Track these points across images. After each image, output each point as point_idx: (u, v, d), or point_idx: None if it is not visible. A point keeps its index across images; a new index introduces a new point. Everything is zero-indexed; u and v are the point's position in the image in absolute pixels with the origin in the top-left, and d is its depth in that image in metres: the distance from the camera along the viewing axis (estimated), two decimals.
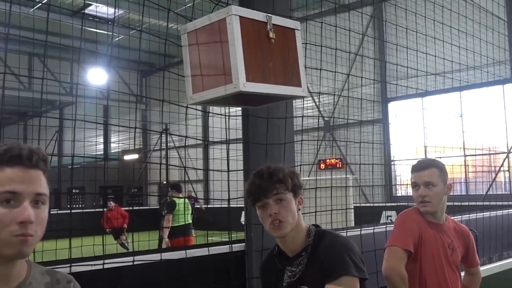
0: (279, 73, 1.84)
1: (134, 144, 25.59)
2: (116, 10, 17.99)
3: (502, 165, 15.13)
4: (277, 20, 1.88)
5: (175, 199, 8.52)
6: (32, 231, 1.19)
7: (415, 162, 2.81)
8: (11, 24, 15.70)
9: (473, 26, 7.72)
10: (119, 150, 27.34)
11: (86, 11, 19.03)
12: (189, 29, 1.86)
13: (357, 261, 1.91)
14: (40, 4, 17.11)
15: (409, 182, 2.81)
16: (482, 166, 16.74)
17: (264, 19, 1.83)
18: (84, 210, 18.42)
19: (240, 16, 1.74)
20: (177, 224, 8.39)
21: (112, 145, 28.37)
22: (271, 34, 1.81)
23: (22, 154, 1.20)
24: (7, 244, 1.17)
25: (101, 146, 27.59)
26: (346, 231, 3.81)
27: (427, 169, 2.68)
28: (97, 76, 23.39)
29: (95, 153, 24.01)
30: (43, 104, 26.49)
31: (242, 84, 1.70)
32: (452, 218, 2.82)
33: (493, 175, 14.58)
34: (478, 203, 10.44)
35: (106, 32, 19.50)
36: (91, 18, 18.90)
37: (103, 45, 19.79)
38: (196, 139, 22.06)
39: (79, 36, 17.35)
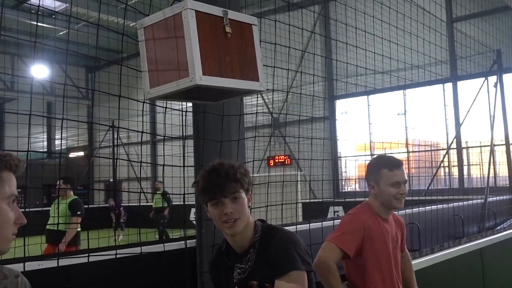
0: (236, 68, 1.85)
1: (91, 140, 24.97)
2: (61, 3, 17.48)
3: (442, 160, 15.68)
4: (234, 15, 1.89)
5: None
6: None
7: (359, 158, 2.89)
8: None
9: (417, 27, 7.97)
10: (66, 147, 26.57)
11: (30, 3, 18.38)
12: (145, 24, 1.85)
13: (303, 255, 1.96)
14: None
15: (356, 177, 2.89)
16: (425, 161, 17.31)
17: (220, 14, 1.84)
18: (29, 209, 17.78)
19: (196, 10, 1.74)
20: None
21: (57, 141, 27.53)
22: (228, 29, 1.83)
23: (20, 164, 1.29)
24: (6, 241, 1.26)
25: (45, 143, 26.75)
26: (296, 226, 3.87)
27: (403, 166, 2.78)
28: (40, 71, 22.67)
29: (39, 150, 23.26)
30: None
31: (199, 77, 1.71)
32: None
33: (434, 171, 15.09)
34: (420, 198, 10.77)
35: (53, 26, 18.95)
36: (33, 11, 18.28)
37: (48, 40, 19.17)
38: (151, 134, 21.72)
39: (23, 30, 16.80)
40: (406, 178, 2.74)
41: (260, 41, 2.04)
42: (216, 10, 1.83)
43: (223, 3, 2.30)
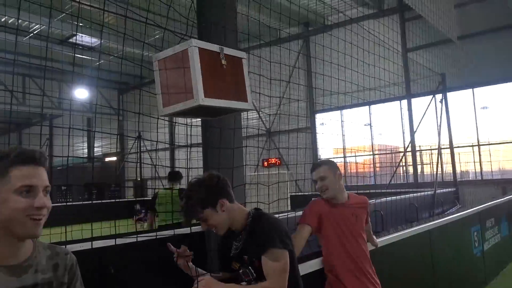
0: (230, 91, 1.90)
1: (117, 147, 24.92)
2: (97, 39, 17.53)
3: (400, 161, 15.73)
4: (228, 51, 1.94)
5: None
6: (43, 215, 1.23)
7: (335, 159, 2.94)
8: (8, 50, 14.99)
9: (375, 58, 8.04)
10: (102, 153, 26.54)
11: (72, 40, 18.41)
12: (159, 57, 1.89)
13: (282, 236, 1.95)
14: (32, 34, 16.41)
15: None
16: (387, 162, 17.37)
17: (218, 50, 1.89)
18: (73, 203, 17.75)
19: (198, 47, 1.79)
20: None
21: (95, 149, 27.48)
22: (223, 61, 1.88)
23: (35, 156, 1.24)
24: (25, 226, 1.20)
25: (85, 150, 26.72)
26: (287, 214, 3.88)
27: (318, 168, 2.82)
28: (81, 93, 22.72)
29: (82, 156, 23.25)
30: (35, 116, 25.42)
31: (201, 99, 1.76)
32: (352, 193, 2.95)
33: (394, 169, 15.12)
34: (383, 191, 10.81)
35: (90, 58, 18.99)
36: (76, 46, 18.32)
37: (87, 68, 19.22)
38: (164, 143, 21.75)
39: (66, 61, 16.84)
40: (321, 175, 2.77)
41: (249, 72, 2.09)
42: (215, 47, 1.88)
43: (221, 40, 2.35)
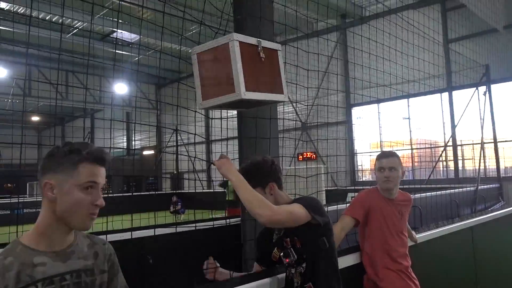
0: (268, 84, 1.90)
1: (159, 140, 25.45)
2: (136, 35, 17.91)
3: (440, 156, 15.25)
4: (265, 43, 1.93)
5: None
6: (97, 212, 1.30)
7: (373, 154, 2.89)
8: (52, 47, 15.57)
9: (414, 49, 7.82)
10: (141, 146, 27.21)
11: (112, 36, 18.93)
12: (198, 51, 1.91)
13: (313, 204, 1.95)
14: (76, 30, 16.98)
15: (369, 169, 2.88)
16: (426, 156, 16.90)
17: (256, 43, 1.89)
18: (114, 195, 18.35)
19: (239, 41, 1.79)
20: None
21: (135, 142, 28.19)
22: (262, 54, 1.87)
23: (104, 157, 1.31)
24: (82, 220, 1.27)
25: (125, 143, 27.46)
26: (327, 207, 3.83)
27: (391, 157, 2.77)
28: (121, 88, 23.32)
29: (121, 149, 23.91)
30: (77, 110, 26.35)
31: (243, 93, 1.77)
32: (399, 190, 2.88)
33: (434, 164, 14.69)
34: (422, 186, 10.54)
35: (129, 53, 19.44)
36: (115, 42, 18.82)
37: (126, 63, 19.73)
38: (201, 136, 22.02)
39: (107, 56, 17.31)
40: (392, 165, 2.71)
41: (285, 63, 2.07)
42: (253, 40, 1.88)
43: (257, 33, 2.35)
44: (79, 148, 1.27)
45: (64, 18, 14.14)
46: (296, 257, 1.97)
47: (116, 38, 17.59)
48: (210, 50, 1.87)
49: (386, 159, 2.75)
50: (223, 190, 9.97)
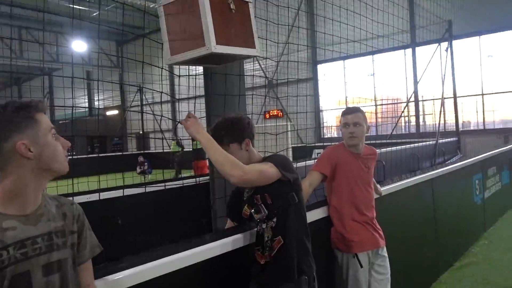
0: (239, 37, 1.83)
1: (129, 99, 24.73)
2: None
3: (402, 111, 15.66)
4: None
5: None
6: None
7: (339, 110, 2.90)
8: (3, 1, 14.53)
9: (383, 2, 7.77)
10: (104, 107, 26.44)
11: None
12: (164, 2, 1.80)
13: (283, 162, 1.99)
14: None
15: (335, 126, 2.91)
16: (390, 112, 17.30)
17: None
18: (78, 156, 17.92)
19: None
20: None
21: (96, 103, 27.34)
22: (232, 6, 1.79)
23: (44, 104, 1.32)
24: (64, 162, 1.31)
25: (86, 104, 26.61)
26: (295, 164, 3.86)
27: (355, 112, 2.79)
28: (79, 45, 22.26)
29: (83, 110, 23.17)
30: (34, 70, 25.09)
31: (213, 46, 1.70)
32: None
33: (396, 120, 15.09)
34: (385, 141, 10.84)
35: (87, 9, 18.44)
36: None
37: (84, 19, 18.71)
38: (167, 94, 21.57)
39: (64, 12, 16.34)
40: (357, 120, 2.74)
41: (255, 16, 1.99)
42: None
43: None
44: (22, 102, 1.27)
45: None
46: (267, 212, 2.01)
47: None
48: (177, 2, 1.77)
49: (351, 115, 2.77)
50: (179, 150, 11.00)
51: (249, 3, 1.90)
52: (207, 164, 10.14)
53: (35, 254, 1.21)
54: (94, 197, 3.08)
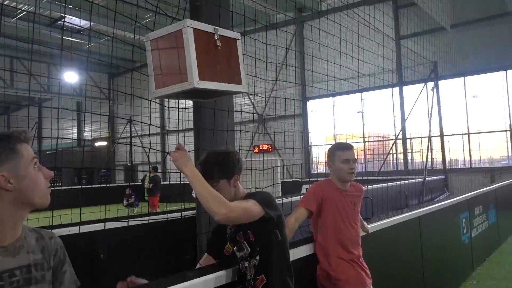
0: (225, 73, 1.86)
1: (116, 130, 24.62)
2: (86, 21, 17.19)
3: (391, 148, 15.82)
4: (223, 31, 1.89)
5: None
6: None
7: (328, 146, 2.91)
8: None
9: (372, 45, 8.01)
10: (91, 138, 26.30)
11: (61, 22, 18.05)
12: (151, 37, 1.85)
13: (266, 199, 1.95)
14: (22, 14, 16.05)
15: (324, 162, 2.93)
16: (378, 149, 17.47)
17: (212, 31, 1.85)
18: (62, 188, 17.63)
19: (193, 28, 1.75)
20: None
21: (85, 133, 27.20)
22: (218, 43, 1.83)
23: (27, 134, 1.29)
24: (45, 195, 1.28)
25: (76, 135, 26.46)
26: (282, 200, 3.87)
27: (350, 150, 2.81)
28: (70, 76, 22.36)
29: (71, 140, 22.99)
30: (24, 99, 25.02)
31: (196, 82, 1.72)
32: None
33: (384, 157, 15.23)
34: (373, 178, 10.88)
35: (80, 41, 18.65)
36: (65, 28, 17.98)
37: (76, 51, 18.89)
38: (156, 126, 21.59)
39: (56, 43, 16.50)
40: (356, 157, 2.79)
41: (244, 54, 2.04)
42: (209, 28, 1.84)
43: (215, 22, 2.32)
44: (3, 133, 1.26)
45: (7, 1, 13.33)
46: (249, 250, 1.99)
47: (63, 22, 16.81)
48: (164, 37, 1.81)
49: (351, 151, 2.79)
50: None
51: (237, 40, 1.95)
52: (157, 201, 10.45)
53: (12, 287, 1.17)
54: (75, 230, 3.02)
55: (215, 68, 1.82)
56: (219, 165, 1.99)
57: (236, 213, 1.83)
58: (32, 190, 1.23)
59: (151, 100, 1.98)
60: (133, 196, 15.01)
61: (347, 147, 2.83)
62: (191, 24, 1.75)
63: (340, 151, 2.81)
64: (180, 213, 3.74)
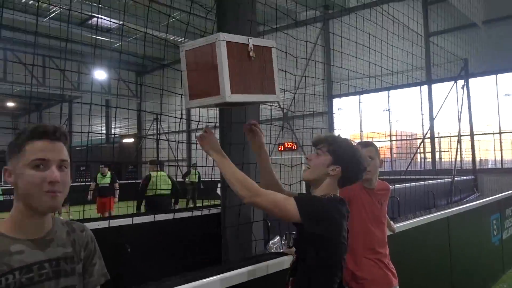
0: (257, 84, 1.86)
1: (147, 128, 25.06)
2: (117, 21, 17.53)
3: (418, 148, 15.52)
4: (256, 41, 1.90)
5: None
6: (59, 189, 1.22)
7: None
8: (28, 31, 15.13)
9: (401, 41, 7.86)
10: (120, 134, 26.81)
11: (91, 22, 18.48)
12: (186, 48, 1.88)
13: (308, 204, 1.80)
14: (53, 14, 16.50)
15: None
16: (406, 148, 17.16)
17: (246, 42, 1.86)
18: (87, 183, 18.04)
19: (226, 41, 1.76)
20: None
21: (113, 130, 27.75)
22: (252, 53, 1.84)
23: (48, 130, 1.24)
24: (40, 200, 1.20)
25: (104, 131, 27.03)
26: None
27: (368, 147, 2.76)
28: (100, 74, 22.88)
29: (100, 137, 23.51)
30: (55, 97, 25.74)
31: (228, 96, 1.74)
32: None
33: (412, 156, 14.94)
34: (400, 177, 10.70)
35: (109, 39, 19.05)
36: (95, 27, 18.39)
37: (105, 50, 19.31)
38: (187, 120, 21.83)
39: (86, 42, 16.90)
40: (370, 155, 2.69)
41: (281, 50, 2.02)
42: (243, 39, 1.84)
43: (247, 32, 2.33)
44: (26, 128, 1.25)
45: (40, 2, 13.70)
46: (292, 244, 1.95)
47: (97, 22, 17.19)
48: (197, 49, 1.83)
49: (363, 149, 2.74)
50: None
51: (272, 48, 1.94)
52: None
53: (41, 279, 1.20)
54: (104, 224, 3.09)
55: (248, 79, 1.82)
56: (343, 146, 1.89)
57: (262, 201, 1.74)
58: (25, 191, 1.20)
59: (176, 95, 1.99)
60: None
61: (360, 145, 2.76)
62: (224, 38, 1.76)
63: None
64: (201, 210, 3.77)
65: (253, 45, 1.86)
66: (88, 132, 2.95)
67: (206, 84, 1.80)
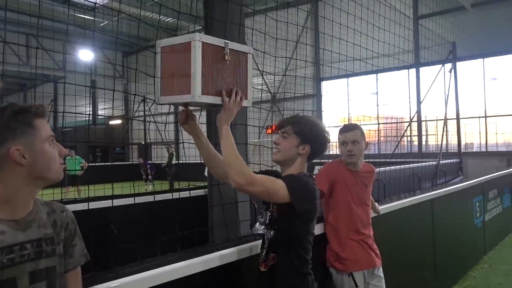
0: (229, 88, 1.85)
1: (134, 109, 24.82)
2: None
3: (405, 131, 15.66)
4: (234, 45, 1.90)
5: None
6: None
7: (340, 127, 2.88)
8: (10, 8, 14.72)
9: (389, 23, 7.82)
10: (106, 116, 26.53)
11: None
12: (163, 44, 1.87)
13: (296, 185, 1.86)
14: None
15: (336, 143, 2.89)
16: (392, 131, 17.30)
17: (222, 45, 1.85)
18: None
19: (202, 42, 1.76)
20: None
21: (100, 112, 27.43)
22: (227, 57, 1.84)
23: (45, 109, 1.30)
24: (58, 173, 1.29)
25: (90, 113, 26.70)
26: None
27: (353, 130, 2.77)
28: (85, 54, 22.45)
29: (85, 118, 23.23)
30: (39, 77, 25.26)
31: (198, 96, 1.75)
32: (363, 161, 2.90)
33: (398, 139, 15.08)
34: (386, 160, 10.81)
35: (93, 18, 18.65)
36: (79, 6, 17.97)
37: (91, 29, 18.90)
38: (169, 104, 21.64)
39: (70, 20, 16.50)
40: (355, 138, 2.72)
41: (254, 30, 2.01)
42: (219, 42, 1.84)
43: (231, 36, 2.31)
44: (21, 107, 1.25)
45: None
46: (267, 222, 1.97)
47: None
48: (174, 46, 1.84)
49: (349, 133, 2.75)
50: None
51: (248, 54, 1.94)
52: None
53: (22, 260, 1.19)
54: (91, 205, 3.08)
55: (220, 82, 1.83)
56: (307, 125, 1.97)
57: (254, 189, 1.77)
58: (46, 166, 1.24)
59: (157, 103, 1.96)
60: (147, 166, 15.25)
61: (344, 129, 2.80)
62: (200, 38, 1.76)
63: (339, 133, 2.80)
64: (189, 192, 3.78)
65: (230, 49, 1.87)
66: (76, 113, 2.91)
67: (178, 82, 1.80)
